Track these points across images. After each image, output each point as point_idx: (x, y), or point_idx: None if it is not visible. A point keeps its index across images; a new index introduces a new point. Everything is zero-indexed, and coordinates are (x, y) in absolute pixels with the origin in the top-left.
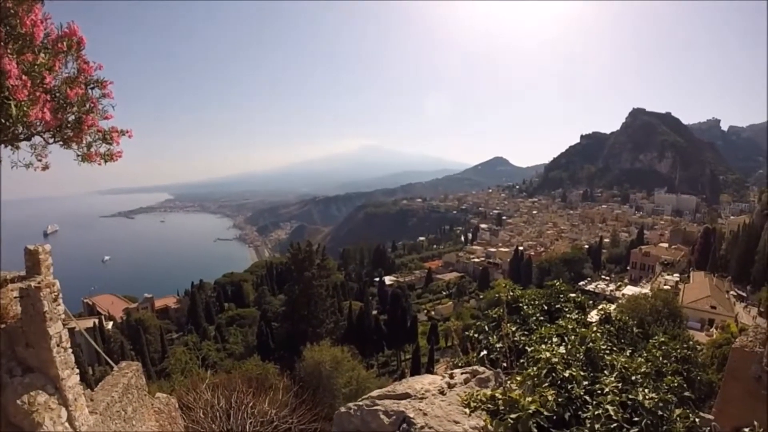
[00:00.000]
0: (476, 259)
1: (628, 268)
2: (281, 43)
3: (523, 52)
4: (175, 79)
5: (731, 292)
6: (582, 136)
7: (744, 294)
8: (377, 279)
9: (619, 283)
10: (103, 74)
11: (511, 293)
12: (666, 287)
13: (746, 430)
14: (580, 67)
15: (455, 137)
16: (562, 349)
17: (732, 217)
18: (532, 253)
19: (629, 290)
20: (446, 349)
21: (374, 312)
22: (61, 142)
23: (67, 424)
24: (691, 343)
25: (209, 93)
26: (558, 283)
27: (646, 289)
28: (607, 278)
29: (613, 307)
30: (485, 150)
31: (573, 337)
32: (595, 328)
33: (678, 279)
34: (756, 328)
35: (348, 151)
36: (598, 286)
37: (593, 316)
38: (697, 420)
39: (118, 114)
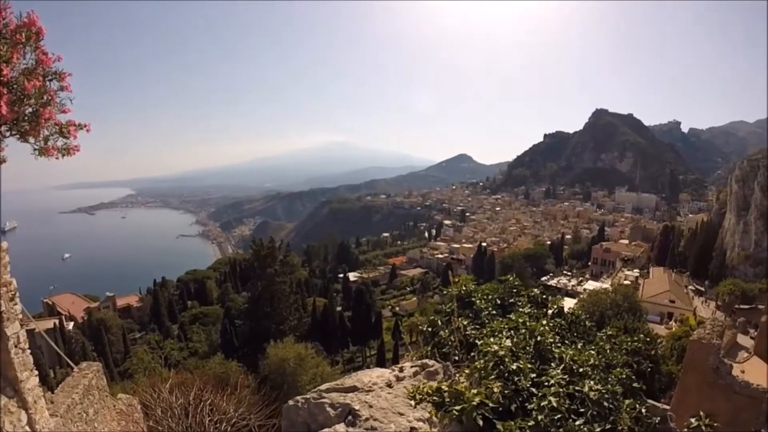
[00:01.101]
0: (440, 255)
1: (590, 263)
2: (247, 36)
3: (488, 53)
4: (136, 71)
5: (690, 287)
6: (545, 135)
7: (702, 289)
8: (341, 275)
9: (580, 279)
10: (62, 66)
11: (464, 288)
12: (626, 282)
13: (692, 420)
14: (545, 67)
15: (421, 134)
16: (508, 342)
17: (690, 216)
18: (495, 249)
19: (590, 285)
20: (411, 344)
21: (339, 308)
22: (17, 136)
23: (27, 428)
24: (642, 336)
25: (172, 86)
26: (511, 278)
27: (606, 284)
28: (569, 273)
29: (574, 301)
30: (450, 147)
31: (523, 330)
32: (545, 322)
33: (638, 274)
34: (713, 321)
35: (314, 146)
36: (560, 281)
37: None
38: (644, 410)
39: (77, 107)
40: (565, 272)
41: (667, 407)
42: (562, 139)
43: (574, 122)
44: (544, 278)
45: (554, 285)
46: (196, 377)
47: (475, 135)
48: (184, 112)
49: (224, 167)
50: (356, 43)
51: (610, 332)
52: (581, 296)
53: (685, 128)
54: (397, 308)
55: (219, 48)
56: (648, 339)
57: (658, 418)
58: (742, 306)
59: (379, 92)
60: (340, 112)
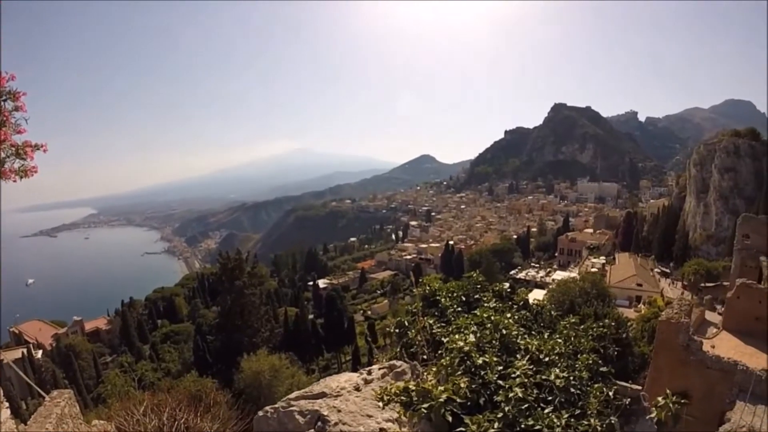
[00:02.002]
0: (408, 256)
1: (556, 254)
2: (203, 43)
3: (447, 52)
4: (92, 87)
5: (655, 270)
6: (506, 132)
7: (668, 270)
8: (311, 283)
9: (548, 269)
10: (15, 85)
11: (428, 287)
12: (593, 270)
13: (659, 399)
14: (504, 65)
15: (383, 137)
16: (471, 338)
17: (652, 201)
18: (463, 247)
19: (559, 275)
20: (385, 347)
21: (310, 316)
22: None
23: None
24: (607, 321)
25: (130, 99)
26: (475, 275)
27: (574, 273)
28: (537, 265)
29: (543, 292)
30: (412, 148)
31: (489, 325)
32: (509, 315)
33: (604, 261)
34: (680, 301)
35: (276, 155)
36: (529, 273)
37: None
38: (611, 393)
39: (32, 127)
40: (533, 264)
41: (639, 388)
42: (523, 134)
43: (533, 117)
44: (512, 272)
45: (523, 278)
46: (170, 397)
47: (437, 135)
48: (142, 126)
49: (187, 180)
50: (311, 48)
51: (573, 320)
52: (550, 287)
53: (642, 117)
54: (369, 312)
55: (176, 59)
56: (613, 323)
57: (629, 399)
58: (707, 284)
59: (337, 96)
60: (300, 118)
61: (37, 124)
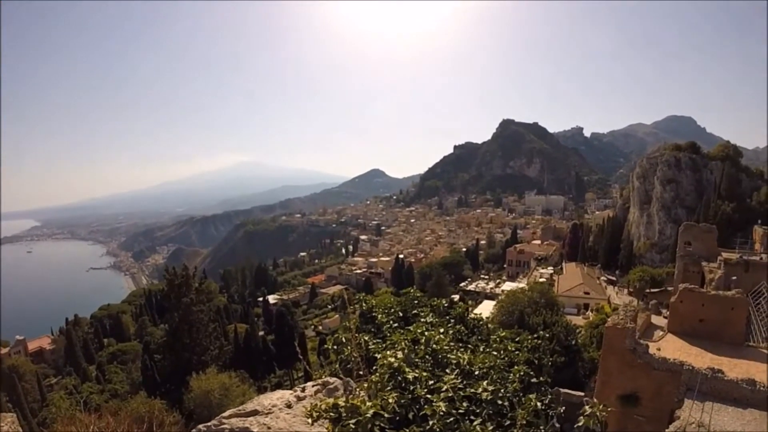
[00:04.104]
0: (359, 270)
1: (505, 265)
2: (150, 51)
3: (397, 68)
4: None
5: (602, 278)
6: (455, 147)
7: (614, 278)
8: (261, 299)
9: (498, 281)
10: None
11: (365, 303)
12: (542, 280)
13: (587, 407)
14: (452, 80)
15: (333, 151)
16: (400, 354)
17: (597, 212)
18: (413, 260)
19: (508, 286)
20: (330, 364)
21: (261, 333)
22: None
23: None
24: (542, 332)
25: (73, 107)
26: (413, 290)
27: (523, 284)
28: (487, 277)
29: (492, 303)
30: (362, 162)
31: (423, 340)
32: (442, 330)
33: (552, 271)
34: (626, 307)
35: (224, 168)
36: (479, 285)
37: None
38: (539, 404)
39: None
40: (482, 276)
41: (582, 394)
42: (472, 149)
43: (482, 133)
44: (462, 284)
45: (473, 289)
46: (119, 420)
47: (388, 149)
48: (88, 136)
49: (133, 193)
50: (259, 60)
51: (504, 333)
52: (500, 298)
53: (587, 133)
54: (320, 327)
55: (119, 68)
56: (545, 337)
57: (564, 408)
58: (652, 290)
59: (287, 109)
60: (247, 131)
61: None
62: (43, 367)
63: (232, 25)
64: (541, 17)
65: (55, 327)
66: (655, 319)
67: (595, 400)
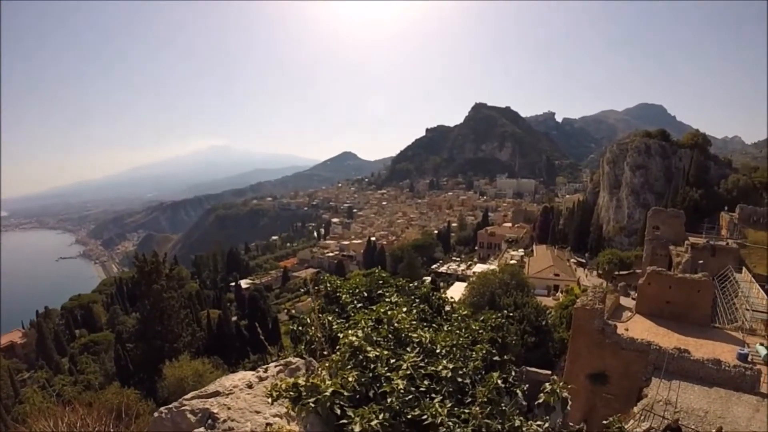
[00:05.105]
0: (331, 254)
1: (477, 248)
2: (117, 37)
3: (371, 50)
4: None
5: (572, 260)
6: (427, 130)
7: (583, 261)
8: (233, 284)
9: (469, 263)
10: None
11: (329, 284)
12: (512, 262)
13: (547, 384)
14: (426, 65)
15: (305, 134)
16: (360, 333)
17: (567, 196)
18: (385, 243)
19: (479, 268)
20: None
21: (234, 318)
22: None
23: None
24: (506, 311)
25: (40, 92)
26: (378, 271)
27: (494, 266)
28: (458, 259)
29: (464, 285)
30: (334, 146)
31: (385, 319)
32: (405, 309)
33: (523, 253)
34: (594, 289)
35: (194, 152)
36: (450, 267)
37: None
38: (500, 381)
39: None
40: (454, 258)
41: (549, 372)
42: (444, 132)
43: (454, 116)
44: (434, 266)
45: (445, 271)
46: (93, 411)
47: (360, 132)
48: (52, 123)
49: (101, 179)
50: (232, 43)
51: (465, 312)
52: (471, 279)
53: (559, 118)
54: (293, 311)
55: (87, 51)
56: (509, 316)
57: (527, 385)
58: (621, 272)
59: (258, 93)
60: (218, 115)
61: None
62: (15, 362)
63: (205, 7)
64: (513, 4)
65: (25, 320)
66: (624, 301)
67: (556, 378)
